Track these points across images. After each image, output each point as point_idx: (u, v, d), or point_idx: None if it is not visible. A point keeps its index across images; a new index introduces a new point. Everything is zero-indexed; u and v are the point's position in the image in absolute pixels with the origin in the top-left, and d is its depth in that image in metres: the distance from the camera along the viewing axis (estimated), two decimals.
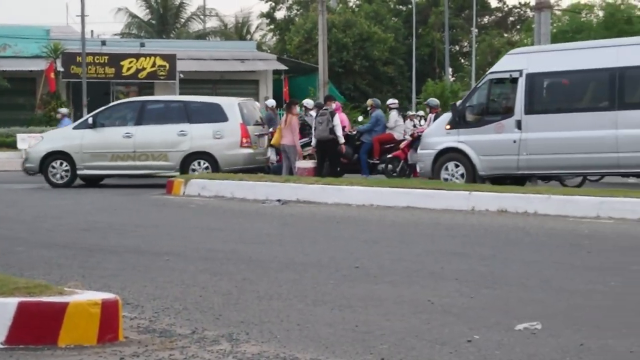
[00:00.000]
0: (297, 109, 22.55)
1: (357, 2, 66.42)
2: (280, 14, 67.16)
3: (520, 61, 18.40)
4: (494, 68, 19.47)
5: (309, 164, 21.11)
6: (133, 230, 13.00)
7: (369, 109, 23.53)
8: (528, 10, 67.87)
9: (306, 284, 8.47)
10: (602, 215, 13.58)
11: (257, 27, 67.83)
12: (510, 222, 13.28)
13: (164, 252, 10.54)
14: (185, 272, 9.13)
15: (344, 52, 53.27)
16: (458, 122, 18.48)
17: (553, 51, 19.74)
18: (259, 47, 56.48)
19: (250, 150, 20.98)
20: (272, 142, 21.94)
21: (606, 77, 17.42)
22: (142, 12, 62.26)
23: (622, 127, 16.89)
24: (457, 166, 18.30)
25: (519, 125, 17.81)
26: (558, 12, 53.19)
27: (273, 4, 66.09)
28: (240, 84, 46.38)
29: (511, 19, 75.19)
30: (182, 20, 63.97)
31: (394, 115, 22.47)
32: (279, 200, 16.61)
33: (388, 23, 60.95)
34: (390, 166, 21.33)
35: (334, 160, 20.55)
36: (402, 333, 6.58)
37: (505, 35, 71.48)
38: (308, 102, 24.60)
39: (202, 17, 65.98)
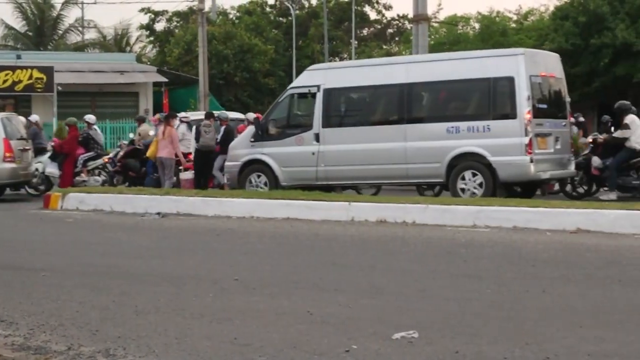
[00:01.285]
0: (176, 121, 22.52)
1: (237, 14, 66.36)
2: (160, 26, 66.59)
3: (318, 77, 19.54)
4: (294, 83, 20.84)
5: (191, 175, 21.13)
6: (8, 245, 12.74)
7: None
8: (406, 22, 68.78)
9: (185, 297, 8.42)
10: (478, 224, 13.83)
11: (137, 39, 67.07)
12: (389, 232, 13.42)
13: (40, 268, 10.35)
14: (62, 288, 8.98)
15: (225, 63, 53.14)
16: (261, 135, 19.47)
17: (349, 67, 21.33)
18: (139, 59, 55.88)
19: (13, 165, 21.34)
20: (148, 154, 21.90)
21: (396, 93, 18.53)
22: (18, 24, 61.00)
23: (411, 140, 18.02)
24: (259, 176, 19.37)
25: (317, 138, 18.94)
26: (435, 24, 54.05)
27: (152, 16, 65.50)
28: (120, 96, 45.87)
29: (390, 30, 76.05)
30: (60, 32, 62.86)
31: (182, 128, 22.70)
32: (158, 213, 16.49)
33: (268, 35, 61.03)
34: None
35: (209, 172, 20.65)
36: (280, 344, 6.58)
37: (385, 47, 72.27)
38: (90, 117, 24.77)
39: (80, 29, 65.02)
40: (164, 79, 47.15)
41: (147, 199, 17.37)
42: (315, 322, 7.35)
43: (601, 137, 20.20)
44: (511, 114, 17.49)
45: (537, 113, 17.66)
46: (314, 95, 19.20)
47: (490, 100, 17.83)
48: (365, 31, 75.47)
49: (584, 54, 40.50)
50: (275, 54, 58.42)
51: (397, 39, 72.20)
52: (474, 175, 17.60)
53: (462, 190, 17.61)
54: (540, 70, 18.14)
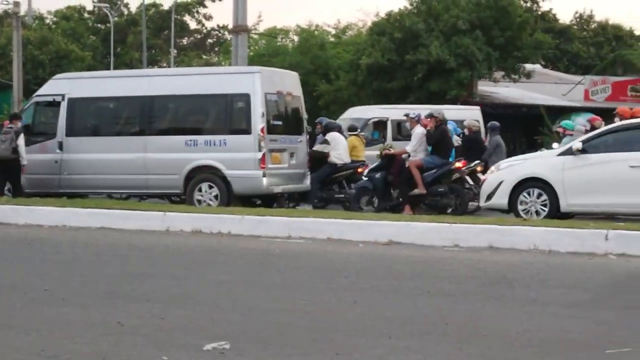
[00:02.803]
0: None
1: (54, 19, 65.01)
2: None
3: (63, 86, 20.03)
4: (40, 91, 21.10)
5: None
6: None
7: None
8: (226, 32, 68.88)
9: None
10: (293, 235, 13.93)
11: None
12: (205, 243, 13.37)
13: None
14: None
15: (40, 69, 51.89)
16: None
17: (94, 78, 21.77)
18: None
19: None
20: None
21: (138, 105, 19.18)
22: None
23: (151, 152, 18.68)
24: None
25: (60, 146, 19.40)
26: (255, 36, 54.29)
27: None
28: None
29: (210, 40, 76.04)
30: None
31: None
32: None
33: (86, 41, 60.05)
34: None
35: (15, 181, 19.98)
36: (89, 356, 6.46)
37: (204, 56, 72.18)
38: None
39: None
40: None
41: None
42: (126, 333, 7.25)
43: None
44: (246, 130, 18.25)
45: (272, 129, 18.48)
46: (58, 104, 19.60)
47: (227, 115, 18.66)
48: (185, 40, 75.24)
49: (400, 69, 41.41)
50: (93, 61, 57.45)
51: (217, 49, 72.18)
52: (210, 187, 18.33)
53: (199, 201, 18.23)
54: (277, 88, 18.92)
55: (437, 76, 40.95)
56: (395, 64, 41.42)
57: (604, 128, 17.15)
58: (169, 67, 59.16)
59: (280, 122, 18.94)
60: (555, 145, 21.98)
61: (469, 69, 41.49)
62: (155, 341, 6.96)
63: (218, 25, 74.24)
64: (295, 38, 52.83)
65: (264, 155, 17.98)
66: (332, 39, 53.08)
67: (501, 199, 16.58)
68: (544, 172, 16.30)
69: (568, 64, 70.32)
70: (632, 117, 18.55)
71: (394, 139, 28.08)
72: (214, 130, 18.57)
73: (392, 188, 19.53)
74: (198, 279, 10.17)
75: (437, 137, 19.01)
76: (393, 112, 29.28)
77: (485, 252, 12.27)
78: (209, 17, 74.53)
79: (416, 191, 18.75)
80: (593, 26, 78.61)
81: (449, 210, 18.57)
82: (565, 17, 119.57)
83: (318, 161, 20.45)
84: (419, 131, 19.26)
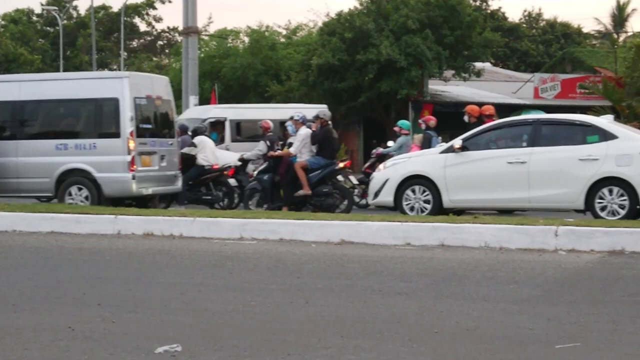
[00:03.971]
0: None
1: (2, 23, 64.43)
2: None
3: None
4: None
5: None
6: None
7: None
8: (177, 34, 68.65)
9: None
10: (245, 236, 13.90)
11: None
12: (156, 245, 13.31)
13: None
14: None
15: None
16: None
17: None
18: None
19: None
20: None
21: (9, 109, 19.35)
22: None
23: (22, 155, 18.99)
24: None
25: None
26: (206, 37, 54.17)
27: None
28: None
29: (160, 42, 75.74)
30: None
31: None
32: None
33: (35, 44, 59.65)
34: None
35: None
36: None
37: (155, 58, 71.88)
38: None
39: None
40: None
41: None
42: (76, 337, 7.21)
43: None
44: (115, 133, 18.58)
45: (141, 133, 18.84)
46: None
47: (96, 119, 18.98)
48: (135, 43, 74.86)
49: (350, 69, 41.56)
50: (43, 64, 57.14)
51: (167, 51, 71.91)
52: (80, 189, 18.65)
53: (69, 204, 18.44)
54: (146, 92, 19.24)
55: (387, 76, 41.14)
56: (346, 64, 41.56)
57: (484, 126, 17.61)
58: (120, 69, 58.90)
59: (149, 126, 19.41)
60: (390, 143, 22.73)
61: (419, 68, 41.75)
62: (106, 345, 6.92)
63: (168, 27, 74.21)
64: (246, 39, 52.80)
65: (133, 158, 18.44)
66: (282, 40, 53.14)
67: (387, 197, 17.06)
68: (426, 170, 16.78)
69: (518, 62, 71.00)
70: (480, 114, 19.09)
71: (233, 140, 28.20)
72: (84, 134, 18.94)
73: (280, 189, 19.88)
74: (149, 282, 10.13)
75: (321, 138, 19.35)
76: (231, 111, 29.42)
77: (437, 250, 12.34)
78: (159, 19, 74.41)
79: (301, 192, 19.11)
80: (542, 24, 79.46)
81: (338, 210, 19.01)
82: (514, 15, 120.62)
83: (188, 163, 21.03)
84: (303, 132, 19.59)
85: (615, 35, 66.66)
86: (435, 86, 46.21)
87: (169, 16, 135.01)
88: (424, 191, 16.70)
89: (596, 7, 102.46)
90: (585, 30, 79.24)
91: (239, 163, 21.85)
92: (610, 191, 15.60)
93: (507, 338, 7.12)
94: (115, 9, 68.20)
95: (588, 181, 15.65)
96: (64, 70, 56.53)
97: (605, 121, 16.79)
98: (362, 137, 46.22)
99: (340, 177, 19.76)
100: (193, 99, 35.73)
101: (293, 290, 9.37)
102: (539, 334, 7.24)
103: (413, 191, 16.80)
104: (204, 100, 37.46)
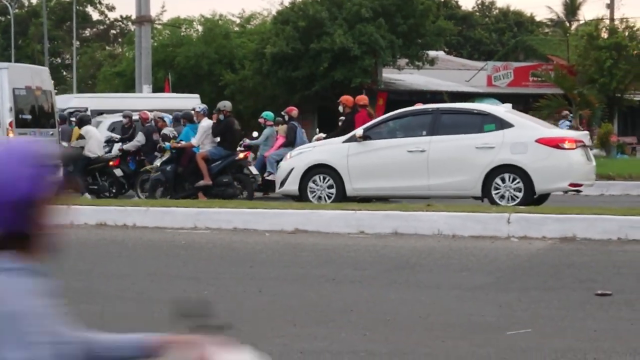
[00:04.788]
0: None
1: None
2: None
3: None
4: None
5: None
6: None
7: None
8: (130, 23, 68.18)
9: None
10: (199, 225, 13.85)
11: None
12: (109, 236, 13.24)
13: None
14: None
15: None
16: None
17: None
18: None
19: None
20: None
21: None
22: None
23: None
24: None
25: None
26: (159, 26, 53.84)
27: None
28: None
29: (113, 31, 75.19)
30: None
31: None
32: None
33: None
34: None
35: None
36: None
37: (108, 47, 71.37)
38: None
39: None
40: None
41: None
42: None
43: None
44: None
45: (21, 123, 19.10)
46: None
47: None
48: (87, 32, 74.27)
49: (304, 58, 41.49)
50: None
51: (120, 40, 71.42)
52: None
53: None
54: (25, 83, 19.44)
55: (341, 64, 41.14)
56: (300, 53, 41.48)
57: (386, 115, 18.03)
58: (72, 58, 58.47)
59: (29, 116, 19.59)
60: (255, 134, 23.08)
61: (373, 56, 41.78)
62: None
63: (121, 16, 73.51)
64: (200, 28, 52.49)
65: None
66: (236, 29, 52.89)
67: (292, 185, 17.20)
68: (330, 159, 16.95)
69: (471, 50, 71.31)
70: (355, 104, 19.48)
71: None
72: None
73: (183, 179, 20.04)
74: (102, 272, 10.08)
75: (222, 130, 19.61)
76: (93, 101, 29.09)
77: (390, 238, 12.37)
78: (111, 8, 73.74)
79: (202, 182, 19.29)
80: (495, 13, 79.78)
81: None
82: (467, 4, 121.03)
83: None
84: (204, 124, 19.79)
85: (567, 24, 67.15)
86: (389, 75, 46.26)
87: (122, 5, 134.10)
88: (328, 180, 16.89)
89: None
90: (537, 18, 79.79)
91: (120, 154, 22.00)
92: (506, 178, 15.89)
93: (459, 325, 7.17)
94: None
95: (484, 169, 15.86)
96: (16, 60, 56.01)
97: (503, 110, 17.24)
98: (317, 126, 46.21)
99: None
100: (146, 88, 35.56)
101: (246, 280, 9.37)
102: (490, 321, 7.30)
103: (318, 180, 17.00)
104: (157, 90, 37.25)
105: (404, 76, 47.43)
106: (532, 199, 15.70)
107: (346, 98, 19.87)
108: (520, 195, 15.63)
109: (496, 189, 15.79)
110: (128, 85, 46.43)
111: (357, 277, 9.46)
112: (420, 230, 12.64)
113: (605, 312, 7.54)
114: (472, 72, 49.89)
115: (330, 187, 16.80)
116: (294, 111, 22.07)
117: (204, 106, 20.47)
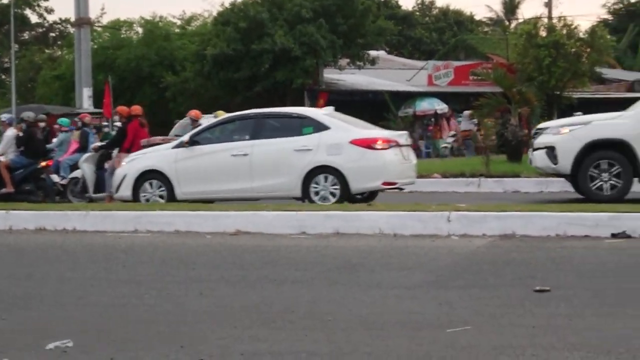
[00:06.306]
0: None
1: None
2: None
3: None
4: None
5: None
6: None
7: None
8: (69, 26, 67.56)
9: None
10: (140, 228, 13.80)
11: None
12: (49, 240, 13.13)
13: None
14: None
15: None
16: None
17: None
18: None
19: None
20: None
21: None
22: None
23: None
24: None
25: None
26: (99, 29, 53.47)
27: None
28: None
29: (52, 34, 74.46)
30: None
31: None
32: None
33: None
34: None
35: None
36: None
37: (47, 50, 70.64)
38: None
39: None
40: None
41: None
42: None
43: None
44: None
45: None
46: None
47: None
48: (26, 35, 73.47)
49: (246, 59, 41.47)
50: None
51: (59, 43, 70.77)
52: None
53: None
54: None
55: (283, 65, 41.17)
56: (241, 54, 41.45)
57: (214, 120, 19.12)
58: (10, 62, 57.80)
59: None
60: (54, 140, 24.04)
61: (314, 57, 41.85)
62: None
63: (60, 19, 72.71)
64: (140, 30, 52.26)
65: None
66: (177, 30, 52.73)
67: (126, 191, 17.76)
68: (159, 164, 17.60)
69: (412, 49, 71.68)
70: (129, 114, 20.46)
71: None
72: None
73: None
74: (42, 277, 9.98)
75: (25, 139, 20.87)
76: None
77: (332, 238, 12.41)
78: (50, 11, 72.99)
79: (4, 190, 20.29)
80: (435, 12, 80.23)
81: None
82: (407, 3, 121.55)
83: None
84: (9, 134, 21.00)
85: (506, 22, 67.72)
86: (330, 75, 46.37)
87: (61, 7, 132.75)
88: (159, 185, 17.48)
89: None
90: (477, 17, 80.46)
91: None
92: (325, 179, 16.55)
93: (400, 323, 7.20)
94: (5, 0, 66.87)
95: (303, 170, 16.58)
96: None
97: (321, 113, 17.84)
98: None
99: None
100: (87, 91, 35.30)
101: (187, 282, 9.33)
102: (430, 319, 7.34)
103: (150, 185, 17.57)
104: (98, 92, 36.99)
105: (346, 76, 47.55)
106: (350, 198, 16.52)
107: (121, 108, 21.12)
108: (337, 194, 16.39)
109: (315, 189, 16.51)
110: (68, 88, 46.11)
111: (298, 277, 9.47)
112: (362, 229, 12.70)
113: (544, 308, 7.61)
114: (413, 72, 50.15)
115: (161, 192, 17.44)
116: (87, 117, 23.49)
117: (9, 116, 22.01)
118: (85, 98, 35.36)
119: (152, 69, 47.57)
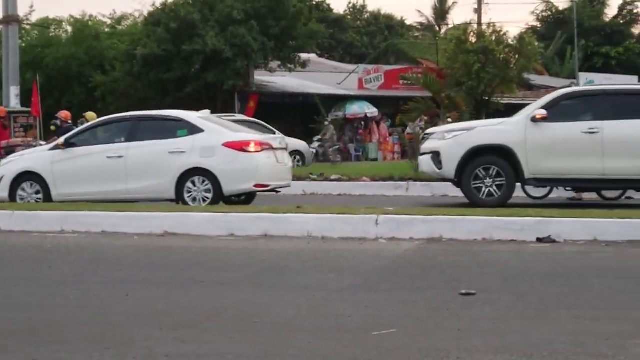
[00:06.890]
0: None
1: None
2: None
3: None
4: None
5: None
6: None
7: None
8: None
9: None
10: (66, 229, 13.66)
11: None
12: None
13: None
14: None
15: None
16: None
17: None
18: None
19: None
20: None
21: None
22: None
23: None
24: None
25: None
26: (27, 27, 52.79)
27: None
28: None
29: None
30: None
31: None
32: None
33: None
34: None
35: None
36: None
37: None
38: None
39: None
40: None
41: None
42: None
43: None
44: None
45: None
46: None
47: None
48: None
49: (176, 59, 41.26)
50: None
51: None
52: None
53: None
54: None
55: (213, 66, 41.04)
56: (171, 54, 41.24)
57: (92, 122, 19.44)
58: None
59: None
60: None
61: (245, 58, 41.78)
62: None
63: None
64: (69, 29, 51.71)
65: None
66: (107, 30, 52.25)
67: (3, 192, 17.87)
68: (35, 166, 17.84)
69: (343, 53, 71.91)
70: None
71: None
72: None
73: None
74: None
75: None
76: None
77: (260, 241, 12.39)
78: None
79: None
80: (366, 16, 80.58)
81: None
82: (339, 7, 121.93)
83: None
84: None
85: (437, 28, 68.23)
86: (261, 77, 46.33)
87: None
88: (35, 186, 17.68)
89: (419, 0, 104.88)
90: (408, 22, 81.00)
91: None
92: (198, 181, 16.84)
93: (326, 326, 7.21)
94: None
95: (177, 172, 16.87)
96: None
97: (195, 116, 18.06)
98: None
99: None
100: (14, 90, 34.84)
101: (113, 283, 9.26)
102: (357, 321, 7.37)
103: (27, 187, 17.74)
104: (26, 91, 36.53)
105: (276, 79, 47.57)
106: (225, 200, 16.86)
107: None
108: (210, 196, 16.67)
109: (188, 191, 16.77)
110: None
111: (225, 279, 9.45)
112: (290, 232, 12.70)
113: (469, 311, 7.68)
114: (344, 75, 50.34)
115: (37, 192, 17.61)
116: None
117: None
118: (12, 97, 34.87)
119: (81, 68, 47.12)
